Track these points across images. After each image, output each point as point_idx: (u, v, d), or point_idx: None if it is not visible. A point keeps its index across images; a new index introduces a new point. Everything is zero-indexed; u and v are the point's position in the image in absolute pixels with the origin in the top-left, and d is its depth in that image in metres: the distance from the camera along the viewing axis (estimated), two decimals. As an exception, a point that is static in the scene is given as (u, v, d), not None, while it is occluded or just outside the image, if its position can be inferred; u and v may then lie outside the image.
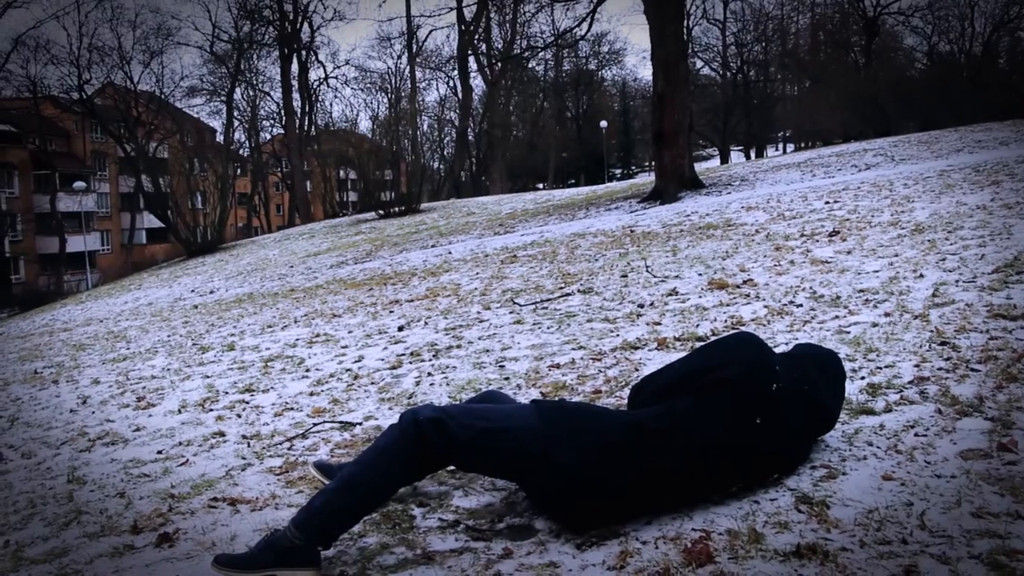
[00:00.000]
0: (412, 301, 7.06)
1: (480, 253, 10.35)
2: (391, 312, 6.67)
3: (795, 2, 61.47)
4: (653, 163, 23.89)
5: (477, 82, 49.66)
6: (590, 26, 21.82)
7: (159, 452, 3.63)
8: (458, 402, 3.42)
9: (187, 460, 3.43)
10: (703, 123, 65.71)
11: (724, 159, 61.17)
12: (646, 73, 61.90)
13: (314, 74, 50.02)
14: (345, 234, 23.53)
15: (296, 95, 48.93)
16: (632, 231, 9.46)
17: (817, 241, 6.42)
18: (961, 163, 11.18)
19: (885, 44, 55.72)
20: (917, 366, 3.17)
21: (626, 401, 2.69)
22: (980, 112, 27.09)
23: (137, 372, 5.90)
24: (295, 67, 48.36)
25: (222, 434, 3.76)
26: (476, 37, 46.86)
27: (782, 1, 61.59)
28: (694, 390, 2.36)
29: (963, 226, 5.91)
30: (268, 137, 58.20)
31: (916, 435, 2.54)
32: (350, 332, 6.02)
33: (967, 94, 34.47)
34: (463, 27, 45.98)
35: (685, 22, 53.13)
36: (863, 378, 3.14)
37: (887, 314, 3.98)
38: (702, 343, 3.70)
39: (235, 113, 54.13)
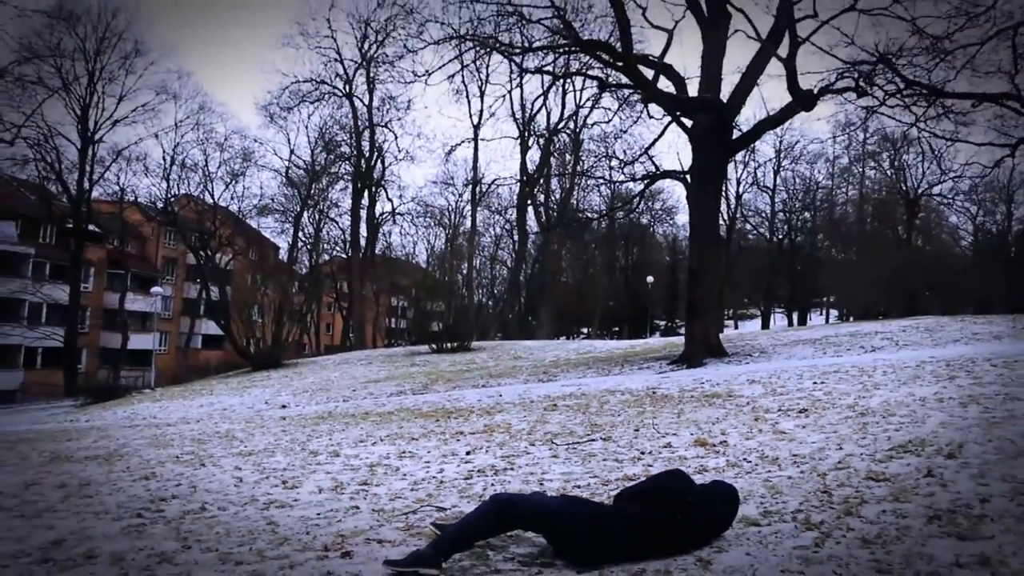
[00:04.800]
0: (474, 434, 9.11)
1: (527, 399, 12.41)
2: (458, 440, 8.72)
3: (845, 173, 64.18)
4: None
5: (531, 222, 52.65)
6: (639, 203, 24.42)
7: (318, 513, 5.64)
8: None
9: (340, 519, 5.44)
10: (747, 284, 68.09)
11: (765, 322, 63.06)
12: (695, 233, 64.56)
13: (380, 207, 53.42)
14: (401, 365, 25.72)
15: (363, 225, 52.17)
16: (654, 393, 11.49)
17: (788, 415, 8.38)
18: (948, 355, 13.00)
19: (930, 220, 57.89)
20: (800, 503, 5.10)
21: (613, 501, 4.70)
22: (1014, 299, 28.70)
23: (269, 464, 7.96)
24: (364, 199, 51.89)
25: (357, 507, 5.78)
26: (536, 189, 50.12)
27: (832, 172, 64.42)
28: (646, 497, 4.38)
29: (896, 414, 7.85)
30: (327, 258, 61.36)
31: (775, 536, 4.48)
32: (428, 452, 8.06)
33: (993, 282, 36.24)
34: (524, 178, 49.27)
35: (736, 188, 56.24)
36: (765, 508, 5.08)
37: (802, 472, 5.93)
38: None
39: (300, 234, 57.49)
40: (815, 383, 10.69)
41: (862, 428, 7.33)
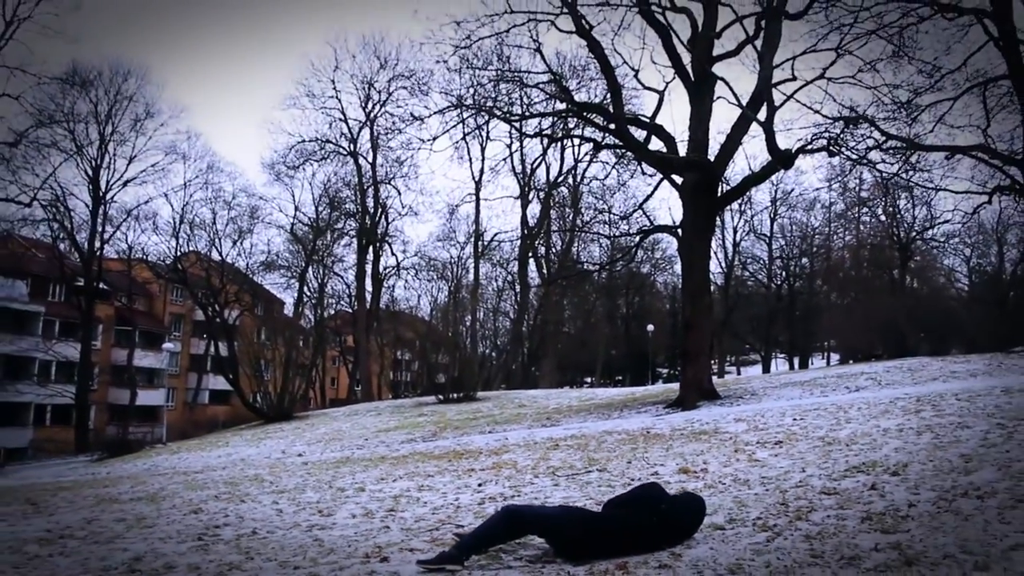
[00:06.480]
0: (484, 470, 10.10)
1: (531, 441, 13.42)
2: (470, 476, 9.71)
3: (841, 219, 65.14)
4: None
5: (533, 273, 53.82)
6: (635, 254, 25.59)
7: (355, 532, 6.64)
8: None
9: (375, 536, 6.44)
10: (747, 330, 68.99)
11: (766, 366, 63.80)
12: (693, 281, 65.54)
13: (384, 261, 54.63)
14: (409, 415, 26.65)
15: (368, 280, 53.31)
16: (648, 432, 12.49)
17: (764, 447, 9.38)
18: (923, 392, 13.96)
19: (925, 263, 58.76)
20: (760, 513, 6.10)
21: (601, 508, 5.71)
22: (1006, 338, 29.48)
23: (303, 499, 8.95)
24: (369, 254, 53.17)
25: (388, 527, 6.78)
26: (536, 242, 51.40)
27: (828, 218, 65.35)
28: (627, 505, 5.40)
29: (858, 442, 8.85)
30: (332, 312, 62.27)
31: (735, 535, 5.48)
32: (444, 486, 9.06)
33: (987, 323, 37.05)
34: (525, 231, 50.55)
35: (733, 236, 57.44)
36: (731, 517, 6.08)
37: (767, 489, 6.93)
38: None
39: (305, 289, 58.42)
40: (794, 419, 11.67)
41: (826, 455, 8.33)
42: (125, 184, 48.81)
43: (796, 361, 64.58)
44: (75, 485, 15.26)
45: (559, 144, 46.59)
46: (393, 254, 55.26)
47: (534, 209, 52.09)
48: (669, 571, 4.84)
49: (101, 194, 47.89)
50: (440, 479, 9.66)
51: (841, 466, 7.59)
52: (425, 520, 7.07)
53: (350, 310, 57.84)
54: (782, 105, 17.77)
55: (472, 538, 5.43)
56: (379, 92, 51.41)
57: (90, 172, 47.75)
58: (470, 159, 50.11)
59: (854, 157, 18.53)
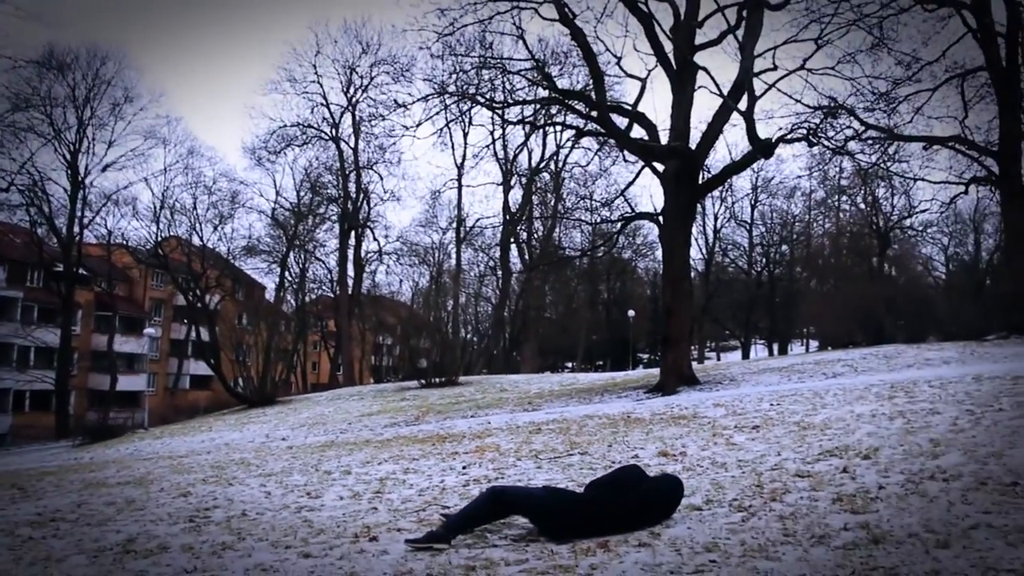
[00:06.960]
0: (467, 453, 10.30)
1: (513, 425, 13.62)
2: (454, 459, 9.91)
3: (821, 206, 65.59)
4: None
5: (515, 259, 54.00)
6: (617, 239, 25.79)
7: (343, 514, 6.81)
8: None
9: (363, 516, 6.62)
10: (727, 316, 69.42)
11: (746, 352, 64.35)
12: (674, 267, 65.77)
13: (365, 246, 54.55)
14: (392, 399, 26.81)
15: (350, 265, 53.31)
16: (628, 417, 12.73)
17: (742, 431, 9.62)
18: (898, 378, 14.24)
19: (903, 251, 59.34)
20: (736, 494, 6.32)
21: (583, 489, 5.92)
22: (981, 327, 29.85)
23: (290, 482, 9.12)
24: (351, 239, 53.13)
25: (375, 508, 6.96)
26: (518, 227, 51.55)
27: (808, 205, 65.78)
28: (609, 486, 5.61)
29: (832, 426, 9.10)
30: (313, 297, 62.24)
31: (712, 515, 5.70)
32: (429, 468, 9.25)
33: (964, 310, 37.47)
34: (507, 217, 50.68)
35: (714, 223, 57.77)
36: (708, 498, 6.30)
37: (743, 472, 7.16)
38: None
39: (287, 274, 58.38)
40: (771, 405, 11.93)
41: (801, 439, 8.57)
42: (104, 169, 48.72)
43: (775, 347, 65.12)
44: (60, 470, 15.36)
45: (541, 131, 46.72)
46: (375, 239, 55.24)
47: (516, 195, 52.36)
48: (648, 549, 5.04)
49: (80, 179, 47.61)
50: (425, 462, 9.85)
51: (815, 450, 7.83)
52: (411, 501, 7.25)
53: (332, 295, 57.79)
54: (763, 95, 18.03)
55: (458, 518, 5.62)
56: (361, 77, 51.33)
57: (68, 157, 47.47)
58: (452, 145, 50.18)
59: (833, 147, 18.83)
